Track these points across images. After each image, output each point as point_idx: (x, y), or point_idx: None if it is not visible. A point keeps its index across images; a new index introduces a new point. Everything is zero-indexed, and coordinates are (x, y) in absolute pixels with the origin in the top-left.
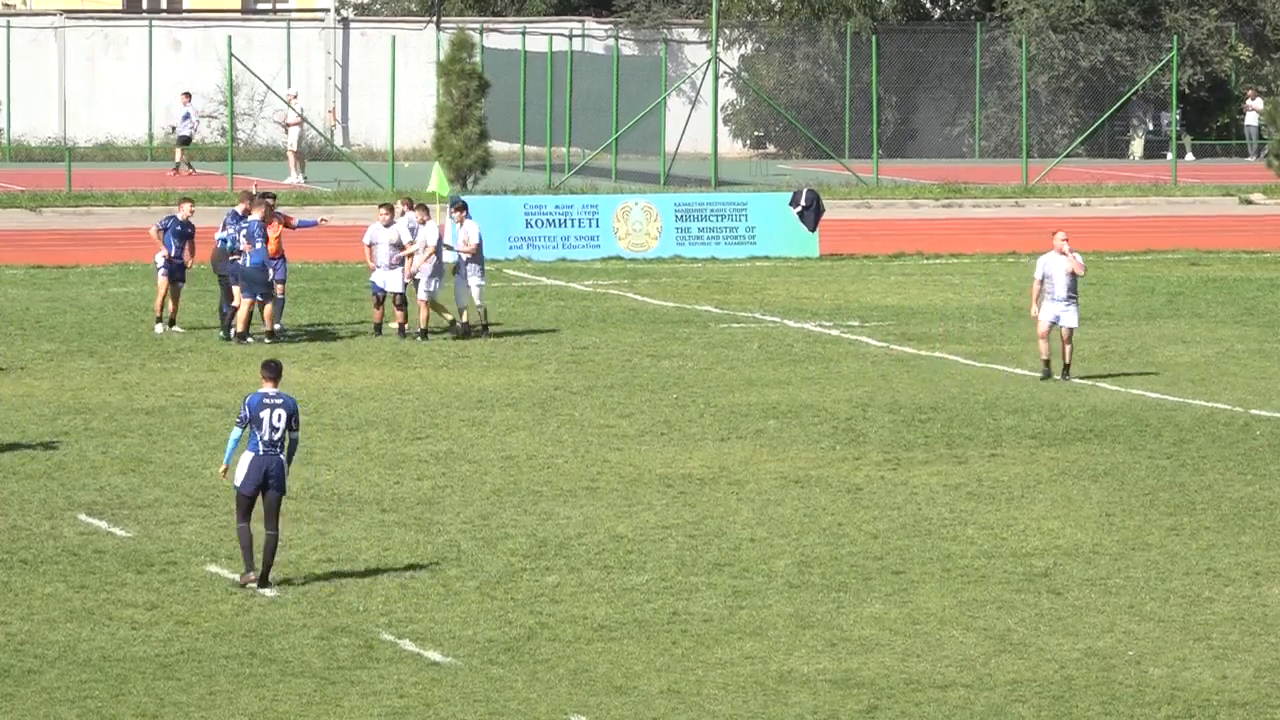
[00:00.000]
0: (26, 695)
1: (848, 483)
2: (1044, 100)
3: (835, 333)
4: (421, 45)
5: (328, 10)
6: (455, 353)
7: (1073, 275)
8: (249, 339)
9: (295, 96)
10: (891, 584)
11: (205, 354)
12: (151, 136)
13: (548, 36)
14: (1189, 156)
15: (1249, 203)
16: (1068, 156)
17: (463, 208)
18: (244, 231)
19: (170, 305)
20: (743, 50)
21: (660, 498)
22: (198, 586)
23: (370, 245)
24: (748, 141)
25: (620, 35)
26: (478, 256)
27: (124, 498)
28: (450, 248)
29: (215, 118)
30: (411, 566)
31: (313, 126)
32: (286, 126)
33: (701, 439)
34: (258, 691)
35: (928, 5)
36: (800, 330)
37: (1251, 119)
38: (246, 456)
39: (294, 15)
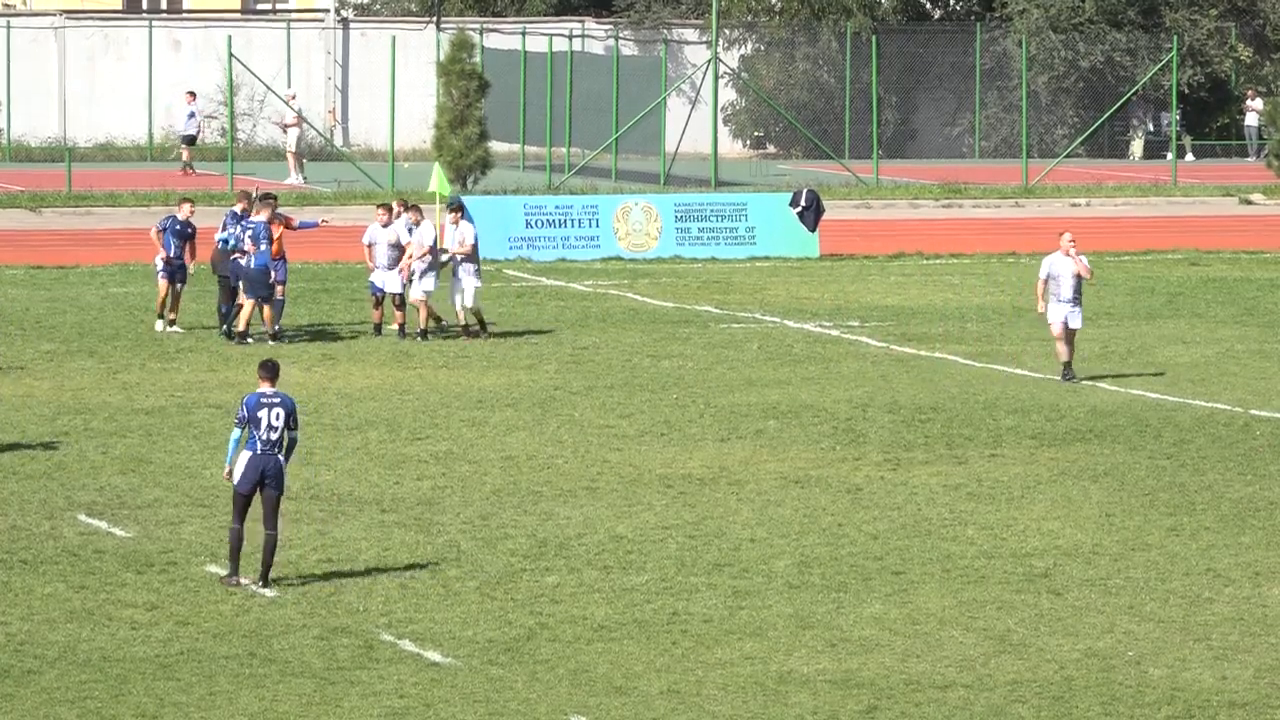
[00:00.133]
0: (26, 695)
1: (848, 483)
2: (1044, 100)
3: (835, 333)
4: (421, 45)
5: (328, 10)
6: (455, 353)
7: (1078, 277)
8: (249, 339)
9: (293, 97)
10: (891, 584)
11: (205, 354)
12: (151, 137)
13: (548, 37)
14: (1189, 157)
15: (1249, 203)
16: (1068, 157)
17: (459, 208)
18: (249, 233)
19: (172, 307)
20: (743, 50)
21: (660, 498)
22: (198, 587)
23: (369, 246)
24: (748, 142)
25: (620, 35)
26: (473, 257)
27: (124, 498)
28: (445, 250)
29: (215, 118)
30: (411, 567)
31: (312, 127)
32: (285, 127)
33: (701, 439)
34: (258, 692)
35: (928, 5)
36: (800, 330)
37: (1251, 119)
38: (244, 455)
39: (294, 15)
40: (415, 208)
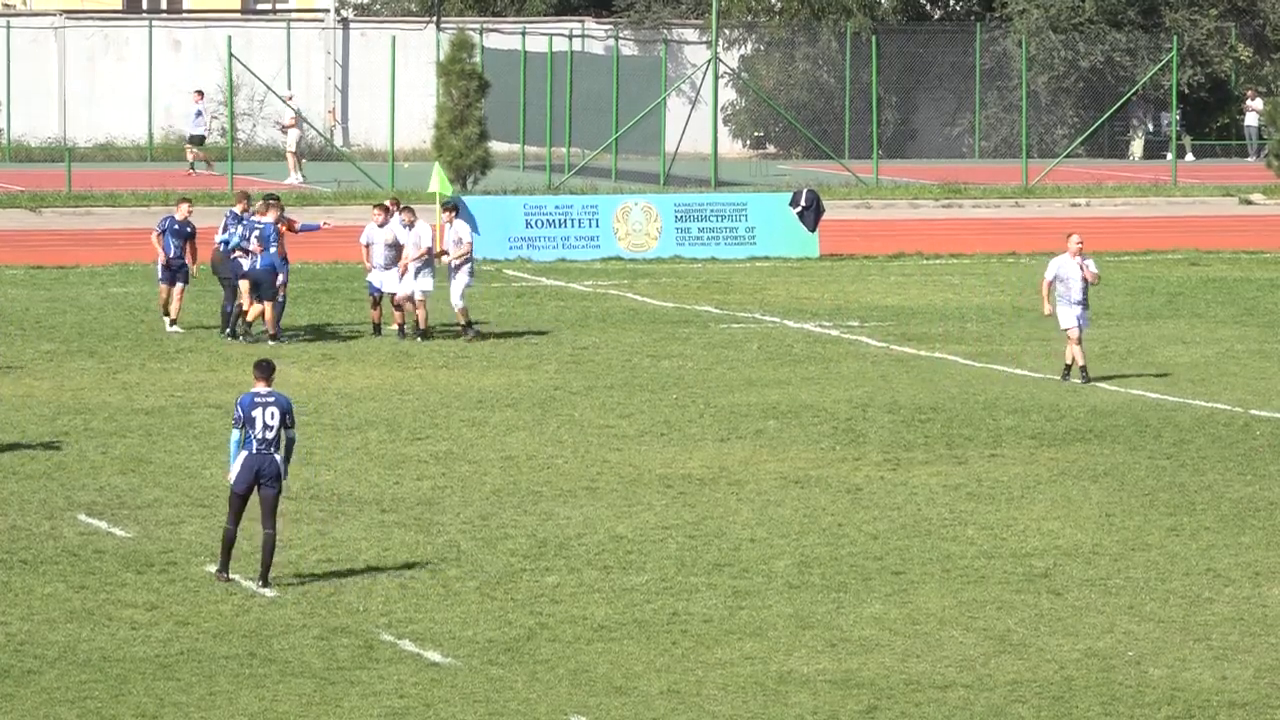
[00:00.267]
0: (26, 695)
1: (847, 483)
2: (1044, 100)
3: (835, 333)
4: (421, 45)
5: (327, 10)
6: (455, 353)
7: (1083, 278)
8: (249, 338)
9: (291, 98)
10: (891, 584)
11: (205, 354)
12: (151, 137)
13: (548, 37)
14: (1189, 157)
15: (1249, 203)
16: (1068, 157)
17: (454, 208)
18: (256, 233)
19: (173, 308)
20: (742, 50)
21: (660, 498)
22: (197, 587)
23: (366, 246)
24: (748, 142)
25: (620, 35)
26: (467, 257)
27: (124, 498)
28: (445, 253)
29: (215, 118)
30: (411, 567)
31: (312, 127)
32: (285, 128)
33: (701, 439)
34: (257, 692)
35: (927, 6)
36: (800, 330)
37: (1251, 119)
38: (241, 455)
39: (294, 15)
40: (408, 208)
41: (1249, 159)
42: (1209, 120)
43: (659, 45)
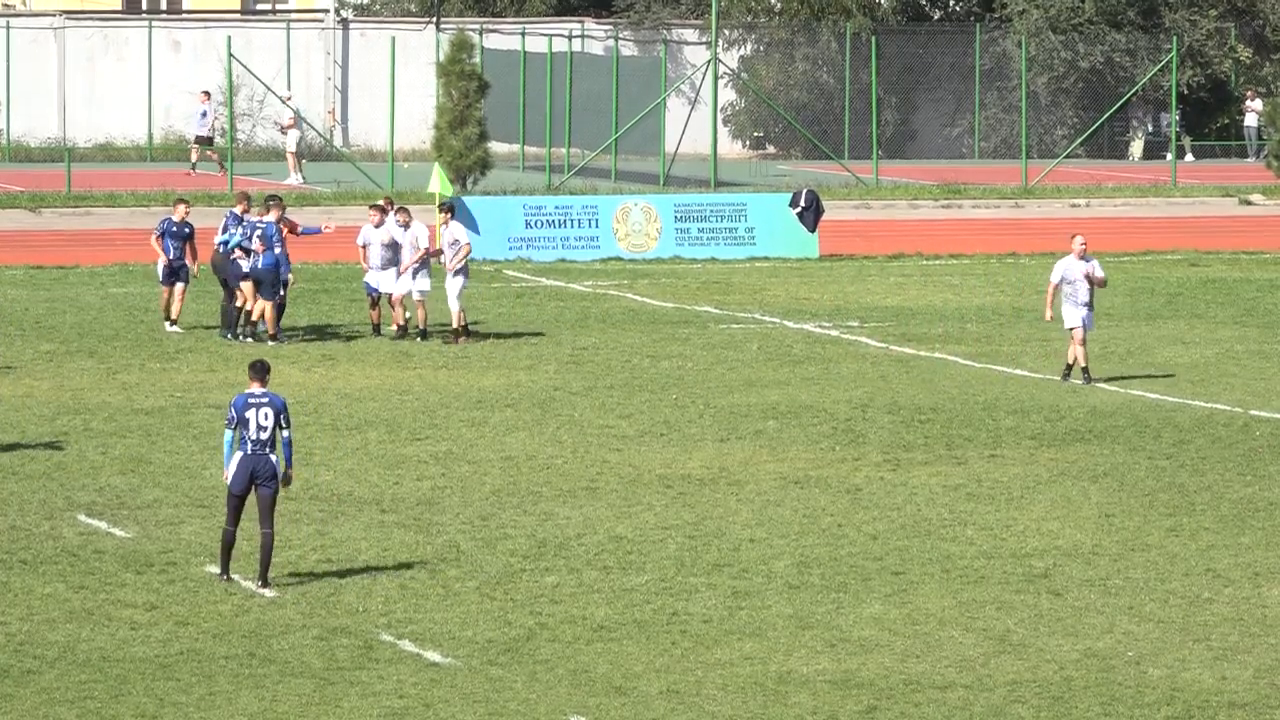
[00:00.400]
0: (26, 696)
1: (847, 483)
2: (1043, 101)
3: (835, 333)
4: (421, 46)
5: (327, 11)
6: (455, 353)
7: (1090, 278)
8: (277, 338)
9: (290, 98)
10: (891, 585)
11: (205, 354)
12: (151, 137)
13: (547, 37)
14: (1188, 157)
15: (1248, 203)
16: (1067, 157)
17: (450, 210)
18: (259, 233)
19: (175, 307)
20: (742, 51)
21: (660, 498)
22: (197, 587)
23: (364, 246)
24: (747, 142)
25: (620, 36)
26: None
27: (123, 498)
28: (440, 253)
29: (215, 118)
30: (411, 567)
31: (311, 127)
32: (284, 129)
33: (701, 440)
34: (257, 692)
35: (927, 6)
36: (800, 331)
37: (1251, 120)
38: (236, 456)
39: (293, 16)
40: (403, 209)
41: (1249, 159)
42: (1209, 121)
43: (659, 46)
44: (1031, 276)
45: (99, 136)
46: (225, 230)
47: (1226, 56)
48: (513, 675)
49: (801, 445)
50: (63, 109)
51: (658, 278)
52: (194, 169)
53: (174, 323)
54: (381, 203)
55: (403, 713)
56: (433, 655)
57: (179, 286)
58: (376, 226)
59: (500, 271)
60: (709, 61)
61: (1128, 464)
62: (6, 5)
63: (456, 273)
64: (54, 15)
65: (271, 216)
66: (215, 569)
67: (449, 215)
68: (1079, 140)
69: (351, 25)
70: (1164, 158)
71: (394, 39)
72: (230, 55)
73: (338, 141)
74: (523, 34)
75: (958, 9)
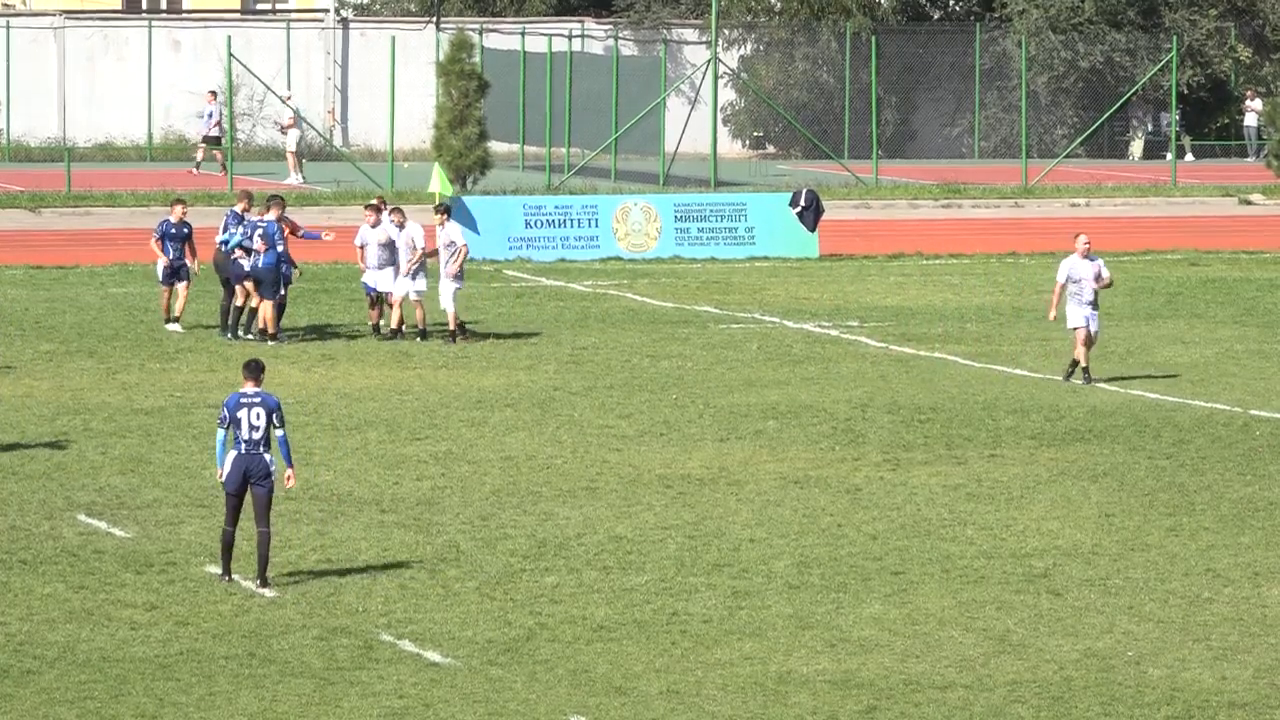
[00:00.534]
0: (26, 696)
1: (847, 483)
2: (1043, 101)
3: (834, 333)
4: (421, 46)
5: (327, 10)
6: (454, 353)
7: (1096, 279)
8: (280, 338)
9: (290, 98)
10: (891, 585)
11: (205, 354)
12: (151, 137)
13: (547, 37)
14: (1188, 157)
15: (1248, 203)
16: (1067, 157)
17: (445, 211)
18: (259, 232)
19: (177, 305)
20: (742, 51)
21: (660, 498)
22: (197, 587)
23: (361, 247)
24: (747, 142)
25: (620, 36)
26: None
27: (123, 498)
28: (435, 253)
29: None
30: (411, 567)
31: (311, 127)
32: (284, 129)
33: (701, 439)
34: (257, 692)
35: (927, 6)
36: (800, 331)
37: (1251, 119)
38: (230, 456)
39: (293, 15)
40: (397, 209)
41: (1248, 159)
42: (1208, 120)
43: (658, 45)
44: (1031, 276)
45: (99, 136)
46: (226, 229)
47: (1226, 56)
48: (513, 675)
49: (801, 445)
50: (63, 109)
51: (657, 277)
52: (198, 168)
53: (176, 320)
54: (375, 202)
55: (403, 713)
56: (433, 655)
57: (181, 285)
58: (373, 226)
59: (500, 271)
60: (709, 61)
61: (1128, 464)
62: (6, 5)
63: (454, 276)
64: (54, 15)
65: (271, 215)
66: (215, 569)
67: (445, 216)
68: (1079, 140)
69: (351, 25)
70: (1164, 157)
71: (394, 39)
72: (230, 55)
73: (338, 141)
74: (522, 34)
75: (958, 9)
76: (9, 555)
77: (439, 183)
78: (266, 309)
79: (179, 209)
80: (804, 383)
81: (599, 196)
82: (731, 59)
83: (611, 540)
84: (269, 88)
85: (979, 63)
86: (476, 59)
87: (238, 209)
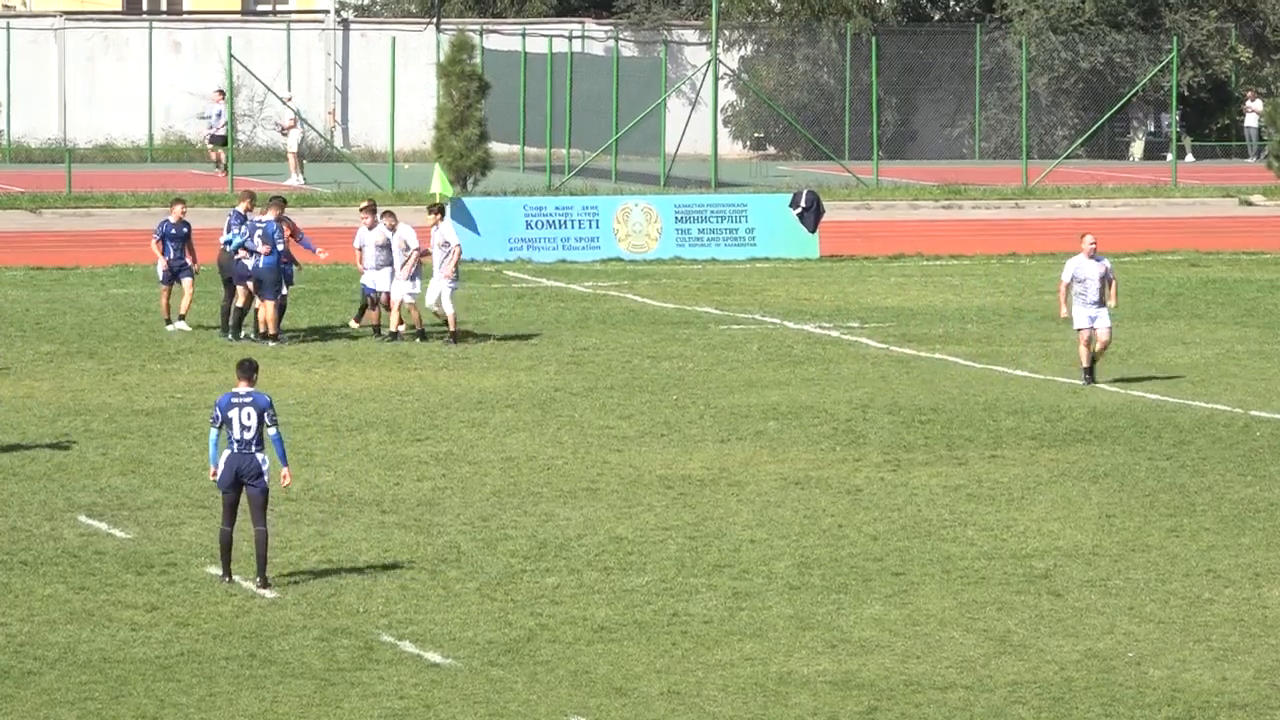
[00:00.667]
0: (26, 697)
1: (848, 484)
2: (1044, 102)
3: (835, 334)
4: (421, 46)
5: (328, 11)
6: (455, 354)
7: (1104, 280)
8: (282, 339)
9: (290, 99)
10: (891, 585)
11: (205, 355)
12: (151, 138)
13: (548, 38)
14: (1189, 158)
15: (1249, 204)
16: (1068, 158)
17: (440, 211)
18: (259, 232)
19: (183, 303)
20: (743, 52)
21: (660, 499)
22: (198, 588)
23: (359, 249)
24: (748, 143)
25: (620, 37)
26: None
27: (124, 499)
28: (429, 253)
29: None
30: (411, 568)
31: (311, 128)
32: (285, 130)
33: (701, 440)
34: (258, 693)
35: (927, 7)
36: (800, 331)
37: (1251, 120)
38: (224, 455)
39: (294, 16)
40: (389, 212)
41: (1249, 160)
42: (1209, 121)
43: (659, 46)
44: (1032, 277)
45: (99, 137)
46: (230, 229)
47: (1227, 57)
48: (513, 676)
49: (802, 446)
50: (63, 110)
51: (658, 278)
52: (219, 167)
53: (182, 318)
54: (366, 204)
55: (403, 713)
56: (433, 656)
57: (186, 282)
58: (370, 229)
59: (501, 272)
60: (709, 62)
61: (1128, 465)
62: (6, 6)
63: (448, 277)
64: (54, 16)
65: (270, 215)
66: (216, 570)
67: (439, 216)
68: (1079, 141)
69: (352, 26)
70: (1164, 158)
71: (394, 40)
72: (230, 56)
73: (338, 142)
74: (523, 34)
75: (958, 9)
76: (10, 556)
77: (440, 184)
78: (267, 309)
79: (178, 209)
80: (805, 384)
81: (599, 197)
82: (732, 60)
83: (612, 541)
84: (269, 89)
85: (979, 63)
86: (477, 60)
87: (240, 209)
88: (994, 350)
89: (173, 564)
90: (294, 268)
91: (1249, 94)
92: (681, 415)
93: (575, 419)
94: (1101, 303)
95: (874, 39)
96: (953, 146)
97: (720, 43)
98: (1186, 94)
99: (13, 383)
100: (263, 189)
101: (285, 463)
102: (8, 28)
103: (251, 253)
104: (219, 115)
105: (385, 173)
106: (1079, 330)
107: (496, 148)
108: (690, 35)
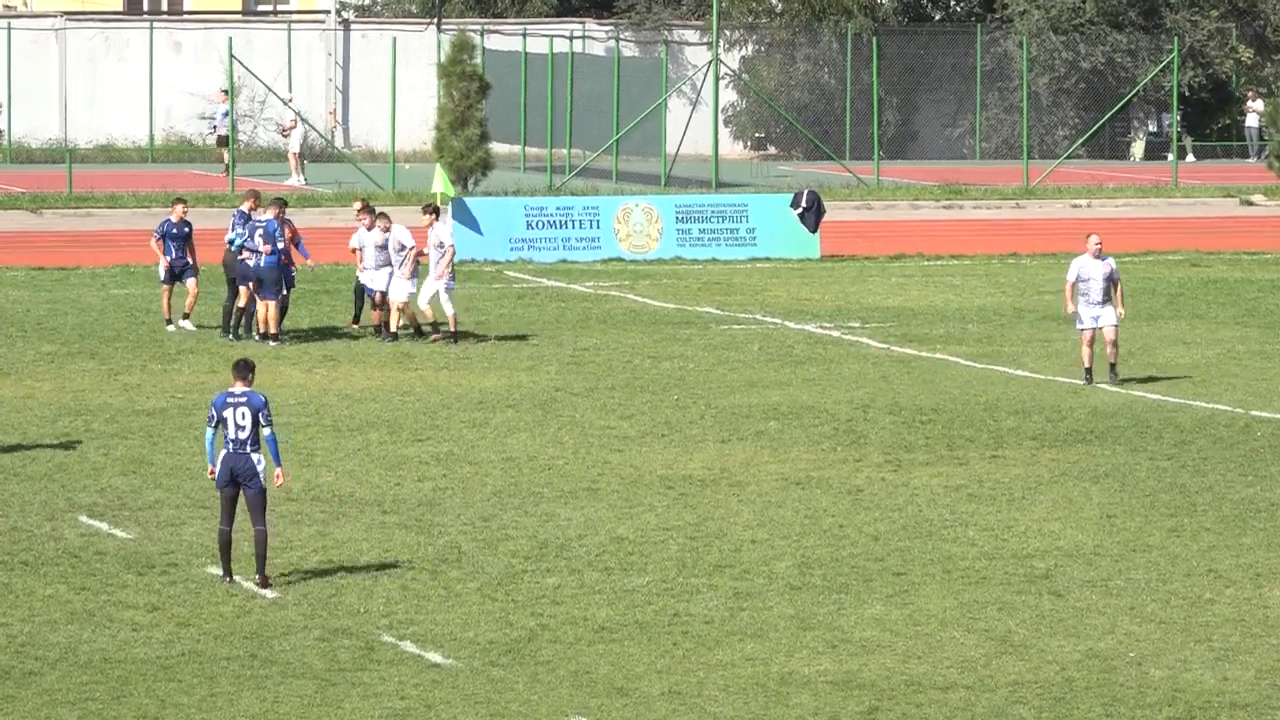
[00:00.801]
0: (27, 697)
1: (849, 484)
2: (1045, 102)
3: (836, 334)
4: (422, 47)
5: (328, 12)
6: (456, 354)
7: (1108, 279)
8: (282, 339)
9: (290, 100)
10: (892, 585)
11: (206, 355)
12: (152, 138)
13: (548, 38)
14: (1190, 158)
15: (1249, 204)
16: (1069, 158)
17: (435, 212)
18: (260, 231)
19: (187, 302)
20: (743, 52)
21: (661, 499)
22: (199, 588)
23: (359, 249)
24: (748, 143)
25: (621, 37)
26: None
27: (125, 499)
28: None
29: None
30: (412, 568)
31: (312, 128)
32: (285, 131)
33: (702, 440)
34: (259, 693)
35: (928, 7)
36: (801, 332)
37: (1252, 120)
38: (221, 454)
39: (295, 17)
40: (382, 215)
41: (1250, 160)
42: (1210, 121)
43: (660, 46)
44: (1033, 277)
45: (100, 138)
46: (234, 229)
47: (1228, 57)
48: (514, 676)
49: (803, 446)
50: (64, 110)
51: (659, 278)
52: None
53: (186, 317)
54: (358, 205)
55: (404, 714)
56: (434, 656)
57: (190, 282)
58: (369, 229)
59: (501, 272)
60: (710, 62)
61: (1129, 465)
62: (7, 6)
63: (440, 277)
64: (55, 16)
65: (270, 214)
66: (217, 570)
67: (434, 217)
68: (1080, 141)
69: (353, 26)
70: (1165, 158)
71: (395, 40)
72: (231, 56)
73: (339, 142)
74: (524, 35)
75: (959, 9)
76: (11, 556)
77: (442, 183)
78: (269, 309)
79: (179, 208)
80: (805, 384)
81: (600, 198)
82: (733, 60)
83: (613, 541)
84: (270, 89)
85: (980, 63)
86: (478, 60)
87: (245, 208)
88: (995, 350)
89: (174, 564)
90: (293, 269)
91: (1250, 94)
92: (682, 415)
93: (576, 419)
94: (1105, 303)
95: (875, 39)
96: (953, 146)
97: (721, 43)
98: (1187, 94)
99: (14, 383)
100: (264, 189)
101: (279, 463)
102: (9, 28)
103: (253, 252)
104: (225, 115)
105: (386, 173)
106: (1082, 330)
107: (497, 148)
108: (691, 35)
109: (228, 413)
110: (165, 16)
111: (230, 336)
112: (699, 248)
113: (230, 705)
